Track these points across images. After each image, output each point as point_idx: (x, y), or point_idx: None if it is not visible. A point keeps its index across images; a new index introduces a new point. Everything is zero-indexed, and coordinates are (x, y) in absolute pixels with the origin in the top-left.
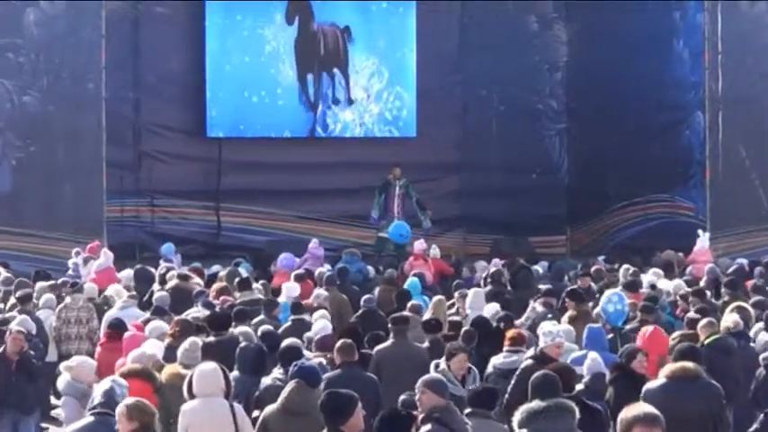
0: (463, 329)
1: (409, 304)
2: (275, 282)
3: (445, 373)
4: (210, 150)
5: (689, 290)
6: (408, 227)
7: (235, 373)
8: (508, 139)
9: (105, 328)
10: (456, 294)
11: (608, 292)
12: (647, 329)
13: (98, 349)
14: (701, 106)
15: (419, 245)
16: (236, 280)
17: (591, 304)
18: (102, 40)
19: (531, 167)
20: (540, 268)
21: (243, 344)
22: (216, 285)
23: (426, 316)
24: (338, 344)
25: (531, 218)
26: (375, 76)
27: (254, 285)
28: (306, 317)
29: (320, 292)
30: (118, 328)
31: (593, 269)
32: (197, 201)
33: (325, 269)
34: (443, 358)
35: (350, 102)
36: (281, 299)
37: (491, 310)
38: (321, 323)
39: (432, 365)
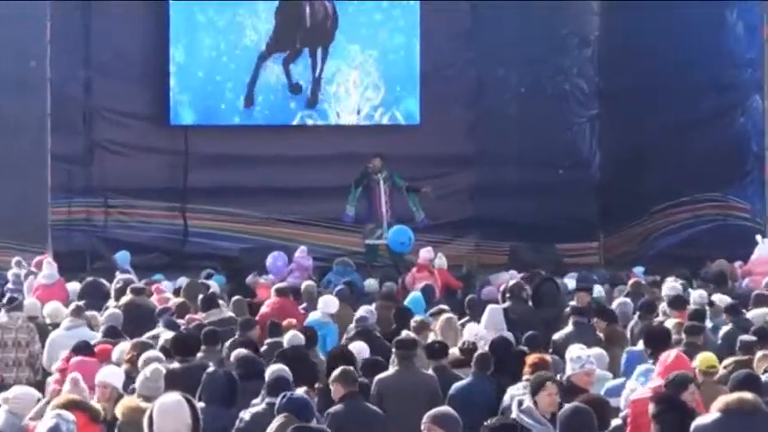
0: (478, 352)
1: (415, 321)
2: (261, 294)
3: (531, 411)
4: (175, 141)
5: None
6: (411, 233)
7: (201, 405)
8: (529, 128)
9: (70, 352)
10: (468, 312)
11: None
12: (670, 354)
13: (56, 377)
14: (758, 88)
15: (425, 253)
16: (200, 297)
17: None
18: (46, 8)
19: (557, 161)
20: (568, 281)
21: (210, 369)
22: (175, 301)
23: (430, 338)
24: (337, 373)
25: (556, 221)
26: (370, 52)
27: (221, 302)
28: (284, 340)
29: (330, 300)
30: (85, 350)
31: (630, 283)
32: (159, 200)
33: (309, 283)
34: (523, 390)
35: (340, 84)
36: (316, 316)
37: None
38: (358, 346)
39: (513, 402)
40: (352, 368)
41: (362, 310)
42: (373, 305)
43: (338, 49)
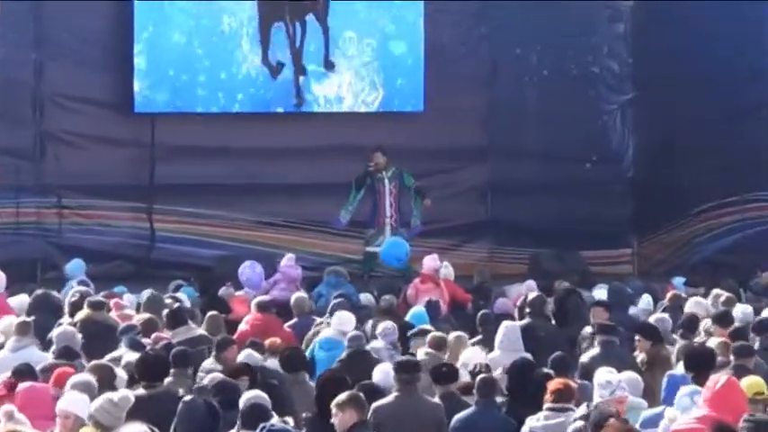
0: (480, 377)
1: (429, 337)
2: (237, 309)
3: None
4: (140, 131)
5: None
6: (407, 246)
7: None
8: (551, 116)
9: (10, 376)
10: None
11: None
12: (719, 379)
13: None
14: None
15: (430, 262)
16: (165, 312)
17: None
18: None
19: (584, 155)
20: (596, 294)
21: (187, 398)
22: (139, 317)
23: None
24: (346, 398)
25: (583, 224)
26: (367, 28)
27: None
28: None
29: (345, 317)
30: (27, 375)
31: (668, 295)
32: (122, 200)
33: (300, 295)
34: (544, 421)
35: (329, 65)
36: (329, 334)
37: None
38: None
39: None
40: (358, 394)
41: (361, 325)
42: (369, 322)
43: (331, 23)
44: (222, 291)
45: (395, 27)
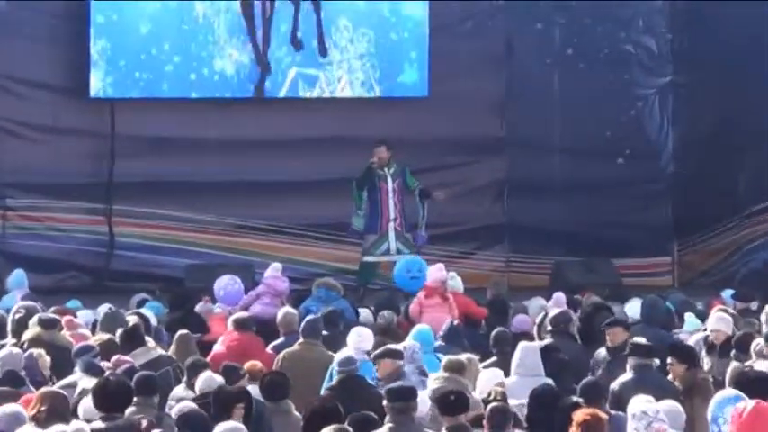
0: (490, 406)
1: (445, 360)
2: (216, 331)
3: None
4: (98, 120)
5: None
6: (423, 261)
7: None
8: (578, 102)
9: None
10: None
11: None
12: (747, 406)
13: None
14: None
15: (436, 272)
16: (120, 332)
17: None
18: None
19: (616, 148)
20: (629, 310)
21: None
22: (98, 337)
23: (449, 383)
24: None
25: (615, 228)
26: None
27: (149, 338)
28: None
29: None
30: None
31: (713, 311)
32: (76, 200)
33: (288, 310)
34: None
35: (323, 50)
36: (348, 351)
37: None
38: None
39: None
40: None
41: (352, 346)
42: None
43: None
44: (200, 306)
45: (396, 5)
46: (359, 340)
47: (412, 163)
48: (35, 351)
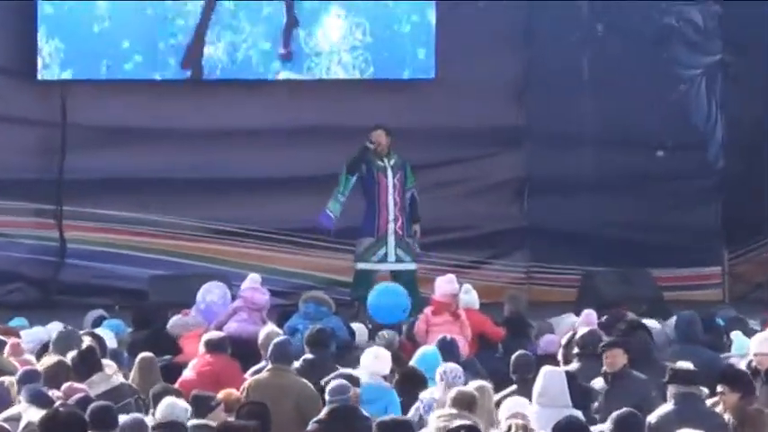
0: None
1: (455, 392)
2: (188, 352)
3: None
4: (46, 107)
5: None
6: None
7: None
8: (610, 86)
9: None
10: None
11: None
12: None
13: None
14: None
15: (446, 285)
16: (72, 356)
17: None
18: None
19: (655, 139)
20: (670, 330)
21: None
22: (46, 361)
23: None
24: None
25: (654, 233)
26: None
27: (109, 363)
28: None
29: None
30: None
31: (760, 333)
32: (20, 200)
33: (272, 330)
34: None
35: (315, 18)
36: (366, 379)
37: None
38: None
39: None
40: None
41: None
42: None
43: None
44: (173, 322)
45: None
46: (375, 363)
47: (414, 157)
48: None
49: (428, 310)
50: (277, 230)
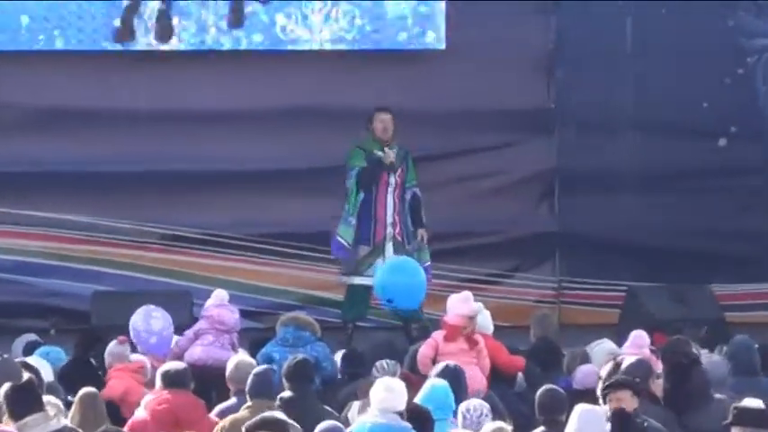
0: None
1: None
2: (111, 386)
3: None
4: None
5: None
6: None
7: None
8: (660, 60)
9: None
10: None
11: None
12: None
13: None
14: None
15: (460, 304)
16: (5, 390)
17: None
18: None
19: (716, 124)
20: (723, 359)
21: None
22: None
23: None
24: None
25: (714, 240)
26: None
27: (51, 400)
28: None
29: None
30: None
31: None
32: None
33: (244, 359)
34: None
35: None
36: (376, 417)
37: None
38: None
39: None
40: None
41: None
42: (353, 405)
43: None
44: (112, 348)
45: None
46: (389, 398)
47: (419, 147)
48: None
49: (438, 335)
50: (250, 236)
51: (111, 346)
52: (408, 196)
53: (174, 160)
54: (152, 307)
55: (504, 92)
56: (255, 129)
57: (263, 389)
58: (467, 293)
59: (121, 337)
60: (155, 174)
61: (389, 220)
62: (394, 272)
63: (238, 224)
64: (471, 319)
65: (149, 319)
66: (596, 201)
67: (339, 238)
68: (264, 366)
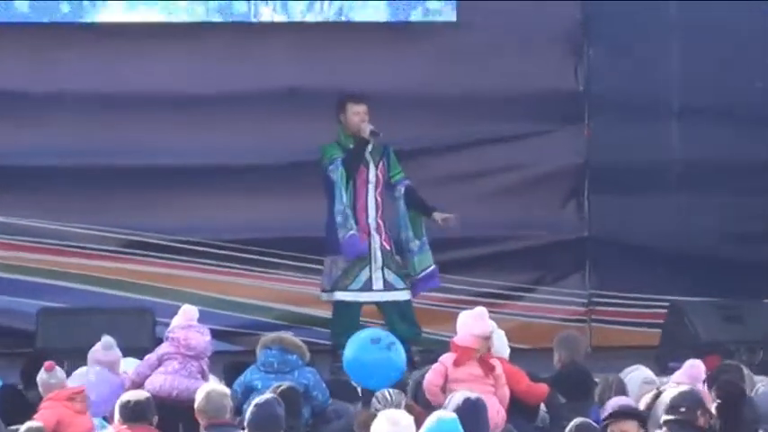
0: None
1: None
2: (41, 417)
3: None
4: None
5: None
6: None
7: None
8: (708, 35)
9: None
10: None
11: None
12: None
13: None
14: None
15: (475, 322)
16: None
17: None
18: None
19: None
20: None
21: None
22: None
23: None
24: None
25: None
26: None
27: None
28: None
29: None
30: None
31: None
32: None
33: (216, 388)
34: None
35: None
36: None
37: None
38: None
39: None
40: None
41: None
42: None
43: None
44: (40, 376)
45: None
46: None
47: (425, 137)
48: None
49: (446, 358)
50: (223, 243)
51: (41, 373)
52: (400, 191)
53: (132, 153)
54: (102, 348)
55: (523, 72)
56: (229, 115)
57: (269, 424)
58: (481, 309)
59: (48, 363)
60: (110, 169)
61: (373, 224)
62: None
63: (209, 228)
64: (486, 339)
65: (90, 369)
66: (633, 201)
67: (348, 235)
68: (268, 397)
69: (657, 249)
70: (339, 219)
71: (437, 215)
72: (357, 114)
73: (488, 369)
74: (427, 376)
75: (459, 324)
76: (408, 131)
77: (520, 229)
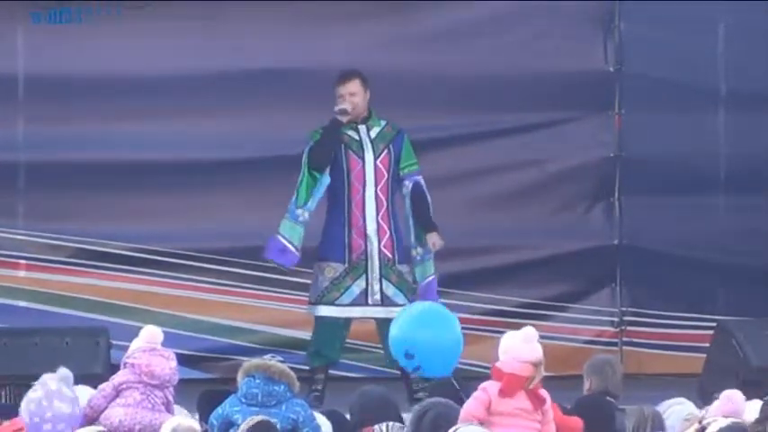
0: None
1: None
2: None
3: None
4: None
5: None
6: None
7: None
8: (756, 9)
9: None
10: None
11: None
12: None
13: None
14: None
15: (523, 344)
16: None
17: None
18: None
19: None
20: None
21: None
22: None
23: None
24: None
25: None
26: None
27: None
28: None
29: None
30: None
31: None
32: None
33: (182, 423)
34: None
35: None
36: None
37: None
38: None
39: None
40: None
41: None
42: None
43: None
44: None
45: None
46: None
47: (424, 127)
48: None
49: (490, 386)
50: (191, 253)
51: None
52: (408, 187)
53: (84, 146)
54: (60, 378)
55: (544, 51)
56: (200, 102)
57: None
58: (529, 330)
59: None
60: (57, 165)
61: (371, 226)
62: (422, 324)
63: (176, 236)
64: (537, 366)
65: (51, 399)
66: (672, 202)
67: (279, 238)
68: (261, 418)
69: (700, 259)
70: (286, 213)
71: (432, 237)
72: (340, 97)
73: (538, 402)
74: (467, 406)
75: (504, 347)
76: (408, 119)
77: (538, 236)
